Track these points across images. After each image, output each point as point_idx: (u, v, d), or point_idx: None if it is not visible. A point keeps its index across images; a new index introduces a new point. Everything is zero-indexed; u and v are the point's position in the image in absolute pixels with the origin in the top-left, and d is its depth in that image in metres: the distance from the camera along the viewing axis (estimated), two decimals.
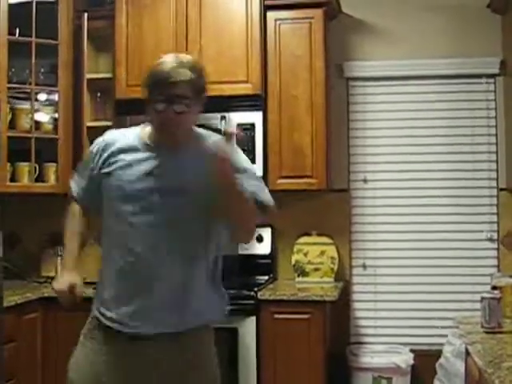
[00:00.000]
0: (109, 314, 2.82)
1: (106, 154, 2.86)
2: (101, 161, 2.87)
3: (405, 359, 4.80)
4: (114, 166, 2.83)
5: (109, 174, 2.84)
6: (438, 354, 4.70)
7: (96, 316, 2.90)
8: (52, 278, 5.05)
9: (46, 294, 4.67)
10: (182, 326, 2.81)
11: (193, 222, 2.80)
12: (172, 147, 2.82)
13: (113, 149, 2.86)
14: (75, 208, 3.05)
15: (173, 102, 2.68)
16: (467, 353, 3.33)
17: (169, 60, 2.74)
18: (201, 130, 2.94)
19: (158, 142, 2.82)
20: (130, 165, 2.81)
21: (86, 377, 2.85)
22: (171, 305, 2.77)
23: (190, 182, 2.77)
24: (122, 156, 2.84)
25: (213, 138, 2.85)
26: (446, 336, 4.72)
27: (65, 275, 2.95)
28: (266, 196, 2.95)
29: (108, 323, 2.82)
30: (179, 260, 2.78)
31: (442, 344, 4.72)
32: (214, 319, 2.98)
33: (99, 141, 2.95)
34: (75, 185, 3.05)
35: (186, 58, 2.80)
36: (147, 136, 2.86)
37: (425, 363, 4.85)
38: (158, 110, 2.69)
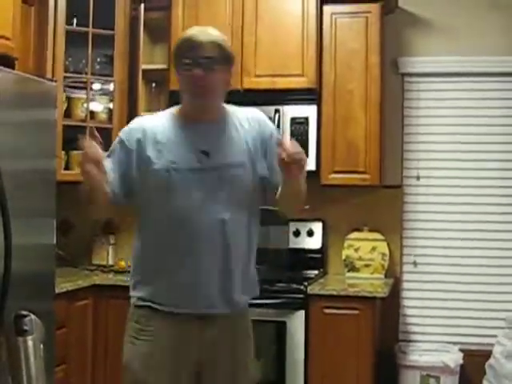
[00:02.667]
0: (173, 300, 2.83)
1: (139, 140, 2.85)
2: (136, 147, 2.85)
3: (454, 358, 4.75)
4: (154, 150, 2.82)
5: (149, 157, 2.81)
6: (487, 354, 4.65)
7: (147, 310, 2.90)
8: (103, 266, 5.13)
9: (97, 282, 4.73)
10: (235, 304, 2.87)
11: (244, 192, 2.85)
12: (206, 119, 2.86)
13: (146, 133, 2.86)
14: None
15: (199, 62, 2.74)
16: None
17: (194, 29, 2.85)
18: (230, 106, 2.99)
19: (193, 116, 2.86)
20: (171, 144, 2.83)
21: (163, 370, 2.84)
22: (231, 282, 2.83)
23: (235, 154, 2.83)
24: (159, 138, 2.84)
25: (245, 112, 2.98)
26: (496, 336, 4.68)
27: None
28: None
29: (173, 309, 2.83)
30: (239, 234, 2.84)
31: (492, 344, 4.67)
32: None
33: (132, 129, 2.94)
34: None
35: (209, 27, 2.88)
36: (180, 113, 2.90)
37: (474, 363, 4.80)
38: (185, 70, 2.76)
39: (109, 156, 2.90)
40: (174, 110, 2.96)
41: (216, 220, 2.77)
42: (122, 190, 2.87)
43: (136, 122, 2.99)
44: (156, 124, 2.90)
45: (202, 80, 2.76)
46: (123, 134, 2.96)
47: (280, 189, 2.84)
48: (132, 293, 2.97)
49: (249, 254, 2.90)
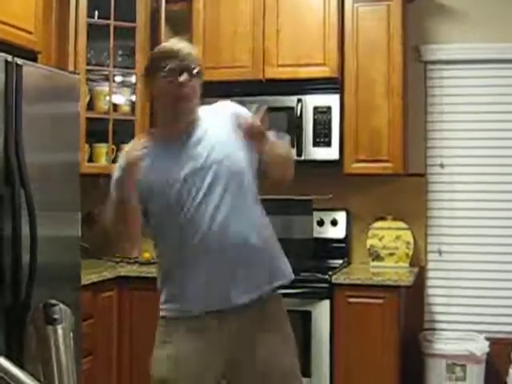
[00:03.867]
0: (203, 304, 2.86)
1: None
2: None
3: (480, 347, 4.73)
4: (149, 169, 2.82)
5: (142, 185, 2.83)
6: None
7: (177, 316, 2.98)
8: (128, 258, 5.15)
9: (122, 273, 4.75)
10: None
11: (244, 181, 2.89)
12: (189, 127, 2.89)
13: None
14: None
15: (177, 72, 2.80)
16: None
17: (166, 42, 2.97)
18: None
19: (174, 129, 2.90)
20: (164, 160, 2.86)
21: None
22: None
23: (226, 147, 2.87)
24: (151, 157, 2.84)
25: (213, 108, 3.03)
26: None
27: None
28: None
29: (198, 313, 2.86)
30: (250, 228, 2.86)
31: None
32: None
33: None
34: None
35: (180, 40, 2.98)
36: (160, 132, 2.96)
37: (500, 351, 4.78)
38: (165, 80, 2.79)
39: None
40: (150, 132, 3.06)
41: (222, 215, 2.81)
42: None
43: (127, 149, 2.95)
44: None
45: (186, 85, 2.81)
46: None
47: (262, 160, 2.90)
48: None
49: (261, 244, 2.90)
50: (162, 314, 3.02)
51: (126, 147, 2.80)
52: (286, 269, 3.00)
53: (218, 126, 2.94)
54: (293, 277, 3.01)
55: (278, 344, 2.92)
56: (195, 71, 2.84)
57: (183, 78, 2.80)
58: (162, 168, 2.84)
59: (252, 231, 2.85)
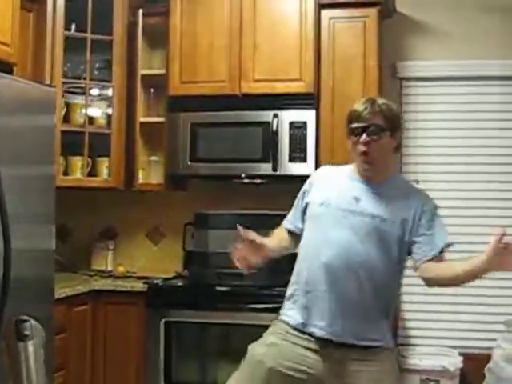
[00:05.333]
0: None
1: (314, 184, 3.24)
2: (310, 190, 3.23)
3: (453, 362, 4.75)
4: (318, 192, 3.15)
5: (313, 200, 3.16)
6: (487, 357, 4.64)
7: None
8: (102, 272, 5.13)
9: (96, 287, 4.73)
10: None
11: (382, 246, 3.00)
12: (373, 178, 3.07)
13: (319, 179, 3.26)
14: (283, 231, 3.34)
15: (363, 131, 2.99)
16: None
17: (362, 100, 3.14)
18: (404, 179, 3.43)
19: (361, 174, 3.09)
20: (332, 190, 3.12)
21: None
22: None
23: (387, 213, 3.00)
24: (326, 184, 3.18)
25: (416, 192, 3.21)
26: (495, 340, 4.67)
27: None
28: None
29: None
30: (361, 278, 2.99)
31: (491, 348, 4.66)
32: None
33: (312, 175, 3.37)
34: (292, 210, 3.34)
35: (378, 98, 3.18)
36: (354, 171, 3.14)
37: (474, 367, 4.79)
38: (352, 139, 3.04)
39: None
40: (351, 167, 3.19)
41: (347, 260, 2.96)
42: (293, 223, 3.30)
43: (319, 169, 3.54)
44: (326, 172, 3.33)
45: (365, 146, 2.99)
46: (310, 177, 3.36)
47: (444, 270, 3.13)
48: None
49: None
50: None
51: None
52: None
53: (400, 199, 3.06)
54: None
55: None
56: (376, 130, 2.99)
57: (363, 138, 2.98)
58: (331, 191, 3.11)
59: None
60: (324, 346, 2.94)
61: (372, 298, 3.00)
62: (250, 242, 2.99)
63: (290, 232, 3.29)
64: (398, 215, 2.99)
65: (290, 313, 3.06)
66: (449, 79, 5.14)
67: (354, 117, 3.04)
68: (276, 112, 4.82)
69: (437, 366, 4.70)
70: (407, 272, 5.05)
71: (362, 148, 2.98)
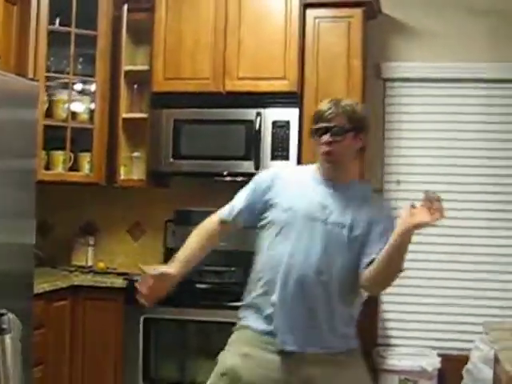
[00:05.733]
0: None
1: (275, 184, 3.05)
2: (270, 189, 3.04)
3: (432, 363, 4.77)
4: (283, 195, 3.00)
5: (276, 202, 2.99)
6: (465, 359, 4.67)
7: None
8: (82, 267, 5.12)
9: (75, 283, 4.72)
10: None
11: (347, 256, 2.92)
12: (336, 179, 3.01)
13: (283, 177, 3.09)
14: (213, 222, 3.16)
15: (326, 131, 2.95)
16: (496, 359, 3.31)
17: (326, 100, 3.08)
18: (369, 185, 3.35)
19: (324, 175, 3.02)
20: (298, 195, 2.99)
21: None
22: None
23: (351, 219, 2.92)
24: (291, 187, 3.03)
25: (380, 205, 3.15)
26: (473, 341, 4.69)
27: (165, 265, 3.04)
28: None
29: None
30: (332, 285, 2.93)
31: (469, 349, 4.68)
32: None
33: (270, 172, 3.17)
34: (229, 206, 3.16)
35: (344, 99, 3.11)
36: (316, 171, 3.06)
37: (452, 368, 4.81)
38: (315, 140, 3.00)
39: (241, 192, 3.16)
40: (314, 164, 3.12)
41: (314, 265, 2.87)
42: (237, 216, 3.12)
43: (272, 169, 3.30)
44: (288, 174, 3.15)
45: (327, 146, 2.94)
46: (257, 177, 3.19)
47: (376, 265, 2.87)
48: None
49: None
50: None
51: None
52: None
53: (364, 205, 2.98)
54: None
55: None
56: (337, 131, 2.95)
57: (325, 138, 2.94)
58: (296, 197, 2.99)
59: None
60: (293, 356, 2.87)
61: (340, 307, 2.96)
62: (153, 277, 2.94)
63: (224, 224, 3.14)
64: (363, 221, 2.93)
65: (255, 321, 2.96)
66: (433, 81, 5.16)
67: (317, 117, 3.01)
68: (259, 110, 4.82)
69: (415, 366, 4.72)
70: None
71: (324, 148, 2.95)
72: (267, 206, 3.01)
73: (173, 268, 2.98)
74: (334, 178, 3.00)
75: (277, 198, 3.00)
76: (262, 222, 3.02)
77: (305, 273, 2.85)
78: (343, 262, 2.90)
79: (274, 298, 2.88)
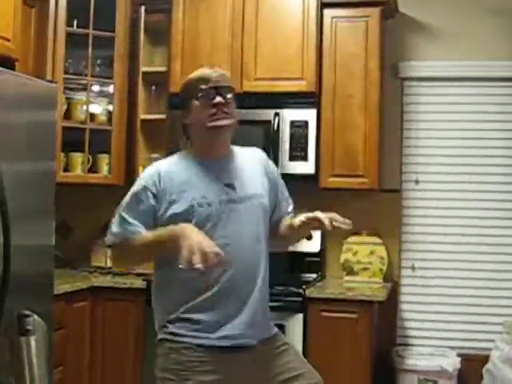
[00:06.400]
0: (221, 333, 2.79)
1: (162, 184, 2.84)
2: (161, 190, 2.83)
3: (451, 363, 4.75)
4: (178, 192, 2.82)
5: (174, 200, 2.81)
6: (485, 358, 4.65)
7: (199, 343, 2.79)
8: (101, 268, 5.12)
9: (95, 284, 4.72)
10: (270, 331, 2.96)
11: (262, 225, 2.92)
12: (220, 153, 2.93)
13: (169, 176, 2.86)
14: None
15: (217, 93, 2.84)
16: None
17: (200, 69, 2.96)
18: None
19: (207, 151, 2.93)
20: (194, 185, 2.84)
21: None
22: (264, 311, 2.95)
23: (256, 186, 2.93)
24: (180, 178, 2.86)
25: (248, 151, 3.08)
26: (493, 341, 4.68)
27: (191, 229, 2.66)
28: None
29: (221, 343, 2.79)
30: (263, 264, 2.92)
31: (489, 349, 4.67)
32: None
33: (150, 174, 2.90)
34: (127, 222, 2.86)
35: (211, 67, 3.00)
36: (194, 152, 2.96)
37: (471, 368, 4.80)
38: (201, 103, 2.83)
39: (132, 205, 2.87)
40: (184, 152, 3.02)
41: (252, 250, 2.85)
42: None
43: (152, 168, 2.96)
44: (171, 166, 2.93)
45: (225, 106, 2.85)
46: (142, 181, 2.90)
47: (281, 231, 2.98)
48: None
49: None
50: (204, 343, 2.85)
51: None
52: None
53: (249, 164, 2.99)
54: None
55: None
56: (231, 91, 2.90)
57: (218, 99, 2.84)
58: (199, 187, 2.84)
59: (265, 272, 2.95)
60: (241, 351, 2.79)
61: (265, 288, 2.93)
62: None
63: None
64: (262, 184, 2.95)
65: (192, 334, 2.78)
66: (450, 80, 5.14)
67: (202, 80, 2.85)
68: (277, 111, 4.82)
69: (435, 366, 4.70)
70: (404, 273, 5.10)
71: (221, 108, 2.82)
72: (173, 212, 2.80)
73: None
74: (219, 150, 2.92)
75: (180, 198, 2.81)
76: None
77: (236, 260, 2.75)
78: (264, 234, 2.91)
79: (208, 299, 2.76)
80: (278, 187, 3.07)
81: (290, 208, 3.14)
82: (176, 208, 2.80)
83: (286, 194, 3.14)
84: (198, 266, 2.44)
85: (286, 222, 3.03)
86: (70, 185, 4.92)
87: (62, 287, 4.29)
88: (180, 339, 2.79)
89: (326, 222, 2.75)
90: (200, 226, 2.72)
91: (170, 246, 2.62)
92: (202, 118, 2.85)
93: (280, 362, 2.89)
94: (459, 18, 5.12)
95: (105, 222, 5.39)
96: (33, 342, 1.36)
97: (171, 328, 2.82)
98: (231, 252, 2.69)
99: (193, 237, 2.55)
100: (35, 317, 1.46)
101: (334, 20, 4.87)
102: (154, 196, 2.83)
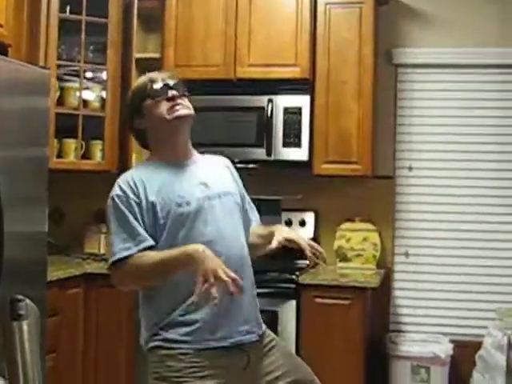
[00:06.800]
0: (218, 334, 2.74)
1: (139, 189, 2.76)
2: (141, 195, 2.75)
3: (444, 349, 4.77)
4: (155, 194, 2.76)
5: (153, 202, 2.74)
6: (478, 345, 4.67)
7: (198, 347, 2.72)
8: (95, 255, 5.12)
9: (88, 270, 4.72)
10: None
11: (240, 220, 2.93)
12: (184, 157, 2.91)
13: (141, 182, 2.78)
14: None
15: (169, 89, 2.83)
16: (509, 345, 3.31)
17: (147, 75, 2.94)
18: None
19: (172, 155, 2.88)
20: (168, 185, 2.79)
21: None
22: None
23: (228, 184, 2.95)
24: (155, 182, 2.79)
25: (210, 157, 3.07)
26: (486, 328, 4.69)
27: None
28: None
29: (220, 344, 2.74)
30: (247, 258, 2.91)
31: (482, 335, 4.69)
32: None
33: (124, 183, 2.79)
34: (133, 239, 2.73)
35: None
36: (158, 159, 2.89)
37: (464, 354, 4.82)
38: (156, 101, 2.81)
39: (122, 219, 2.75)
40: (146, 162, 2.96)
41: (235, 244, 2.83)
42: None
43: (122, 179, 2.83)
44: (140, 174, 2.83)
45: (179, 98, 2.83)
46: (123, 193, 2.77)
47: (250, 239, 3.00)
48: None
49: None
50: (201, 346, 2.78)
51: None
52: None
53: (216, 166, 3.00)
54: None
55: None
56: (182, 86, 2.88)
57: (173, 92, 2.81)
58: (174, 186, 2.79)
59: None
60: (239, 351, 2.76)
61: (251, 280, 2.91)
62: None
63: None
64: (230, 183, 2.97)
65: (188, 338, 2.70)
66: (445, 66, 5.13)
67: (151, 82, 2.83)
68: (271, 97, 4.82)
69: (428, 352, 4.72)
70: (398, 259, 5.11)
71: (178, 101, 2.81)
72: (155, 217, 2.73)
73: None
74: (182, 148, 2.89)
75: (157, 202, 2.74)
76: (158, 234, 2.74)
77: (230, 256, 2.72)
78: (242, 229, 2.91)
79: (199, 301, 2.58)
80: (243, 192, 3.07)
81: (256, 215, 3.13)
82: (157, 210, 2.74)
83: (251, 201, 3.14)
84: (215, 296, 2.39)
85: (256, 230, 3.05)
86: (63, 171, 4.91)
87: (55, 274, 4.29)
88: (175, 346, 2.70)
89: (308, 253, 2.83)
90: (181, 224, 2.73)
91: (183, 270, 2.59)
92: (159, 113, 2.81)
93: (269, 360, 2.86)
94: (453, 4, 5.11)
95: (98, 209, 5.44)
96: (25, 327, 1.36)
97: (165, 334, 2.72)
98: (215, 248, 2.64)
99: (208, 261, 2.49)
100: (28, 301, 1.45)
101: (327, 6, 4.86)
102: (137, 203, 2.74)
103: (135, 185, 2.76)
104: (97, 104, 5.11)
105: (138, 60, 5.13)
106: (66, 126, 4.92)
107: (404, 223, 5.16)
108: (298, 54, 4.82)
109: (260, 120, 4.81)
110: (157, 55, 5.12)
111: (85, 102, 5.04)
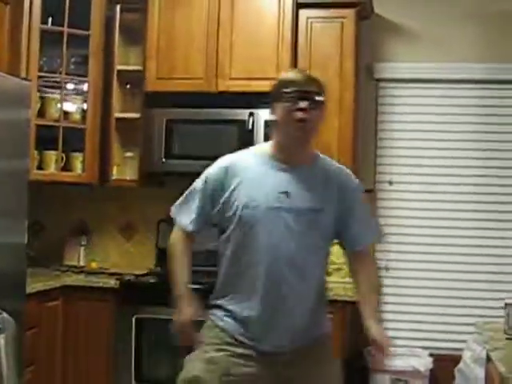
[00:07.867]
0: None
1: (229, 178, 2.86)
2: (225, 184, 2.86)
3: (423, 363, 4.77)
4: (240, 187, 2.83)
5: (235, 200, 2.82)
6: (457, 358, 4.67)
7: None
8: (74, 267, 5.10)
9: (68, 283, 4.71)
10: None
11: (321, 240, 2.90)
12: (300, 162, 2.87)
13: (236, 170, 2.87)
14: (181, 235, 2.99)
15: (302, 97, 2.76)
16: (488, 359, 3.31)
17: (290, 71, 3.11)
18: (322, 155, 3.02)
19: (287, 155, 2.86)
20: (259, 182, 2.82)
21: None
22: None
23: (318, 202, 2.84)
24: (248, 175, 2.85)
25: (334, 167, 3.01)
26: (465, 341, 4.70)
27: (186, 307, 2.92)
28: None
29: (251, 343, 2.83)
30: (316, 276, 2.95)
31: (461, 349, 4.69)
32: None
33: (219, 166, 2.94)
34: (188, 213, 2.97)
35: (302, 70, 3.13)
36: (273, 152, 2.89)
37: (443, 368, 4.82)
38: (285, 107, 2.76)
39: (195, 192, 2.98)
40: (267, 146, 2.95)
41: (288, 258, 2.78)
42: (201, 224, 2.97)
43: (224, 160, 2.98)
44: (243, 162, 2.92)
45: (306, 113, 2.76)
46: (211, 170, 2.96)
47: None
48: None
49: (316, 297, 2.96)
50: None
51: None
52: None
53: (316, 180, 2.89)
54: None
55: None
56: (317, 99, 2.80)
57: (303, 104, 2.75)
58: (254, 188, 2.82)
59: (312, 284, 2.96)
60: (267, 356, 2.81)
61: (313, 295, 2.90)
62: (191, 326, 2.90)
63: (191, 235, 2.99)
64: (327, 201, 2.85)
65: (227, 321, 2.86)
66: (426, 81, 5.17)
67: (288, 81, 2.81)
68: (252, 111, 4.82)
69: (407, 366, 4.72)
70: (381, 274, 5.11)
71: (302, 115, 2.74)
72: (226, 207, 2.84)
73: (192, 307, 2.91)
74: (294, 156, 2.86)
75: (234, 195, 2.83)
76: (224, 224, 2.87)
77: (281, 270, 2.75)
78: (314, 247, 2.85)
79: (253, 303, 2.78)
80: (348, 217, 2.94)
81: (363, 241, 3.06)
82: (232, 202, 2.82)
83: (366, 221, 3.04)
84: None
85: (360, 284, 3.18)
86: (44, 183, 4.90)
87: (34, 286, 4.26)
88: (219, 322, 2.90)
89: (377, 356, 3.08)
90: (241, 226, 2.79)
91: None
92: (285, 122, 2.80)
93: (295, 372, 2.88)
94: (434, 20, 5.14)
95: (78, 221, 5.42)
96: (2, 341, 1.35)
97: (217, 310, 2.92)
98: (254, 259, 2.75)
99: (180, 314, 2.90)
100: (4, 315, 1.44)
101: (309, 20, 4.88)
102: (211, 196, 2.89)
103: (226, 171, 2.88)
104: (78, 116, 5.10)
105: (119, 72, 5.13)
106: (46, 138, 4.91)
107: (384, 237, 5.16)
108: (280, 68, 4.82)
109: (241, 133, 4.81)
110: (139, 67, 5.11)
111: (66, 114, 5.03)
